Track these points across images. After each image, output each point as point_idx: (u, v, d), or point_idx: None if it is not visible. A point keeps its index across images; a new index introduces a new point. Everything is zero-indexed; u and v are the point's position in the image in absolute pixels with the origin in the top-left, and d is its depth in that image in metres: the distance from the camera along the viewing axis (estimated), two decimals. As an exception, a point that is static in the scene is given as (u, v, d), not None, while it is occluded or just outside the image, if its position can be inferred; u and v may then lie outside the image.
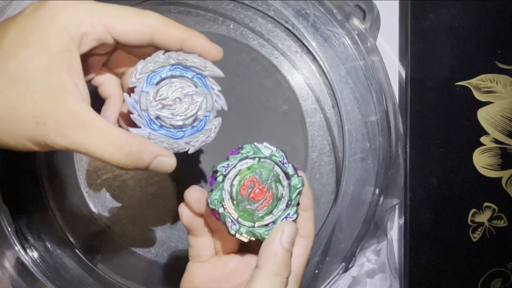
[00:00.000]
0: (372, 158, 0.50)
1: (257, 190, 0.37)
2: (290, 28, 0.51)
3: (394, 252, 0.53)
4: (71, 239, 0.52)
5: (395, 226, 0.54)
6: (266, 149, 0.38)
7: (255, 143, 0.38)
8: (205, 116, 0.40)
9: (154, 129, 0.38)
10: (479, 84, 0.55)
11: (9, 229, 0.49)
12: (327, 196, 0.51)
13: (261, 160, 0.37)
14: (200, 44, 0.39)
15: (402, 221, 0.56)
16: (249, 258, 0.40)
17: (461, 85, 0.55)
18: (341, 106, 0.48)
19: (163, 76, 0.39)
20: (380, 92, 0.49)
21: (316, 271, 0.50)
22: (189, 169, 0.52)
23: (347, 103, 0.49)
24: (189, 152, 0.40)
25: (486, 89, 0.55)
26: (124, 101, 0.39)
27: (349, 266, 0.49)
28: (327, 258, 0.50)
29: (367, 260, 0.53)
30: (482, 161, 0.55)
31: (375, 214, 0.49)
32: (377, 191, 0.50)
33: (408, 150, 0.54)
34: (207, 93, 0.39)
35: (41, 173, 0.52)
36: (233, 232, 0.37)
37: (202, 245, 0.40)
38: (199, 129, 0.40)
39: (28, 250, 0.50)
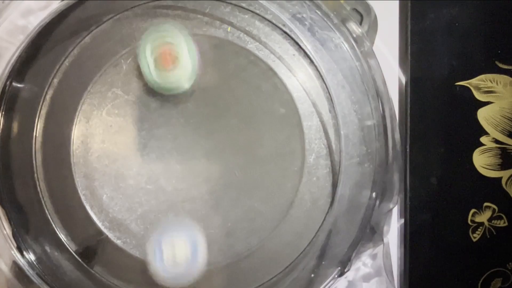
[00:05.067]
0: (368, 162, 0.50)
1: None
2: (287, 31, 0.51)
3: (391, 256, 0.53)
4: (67, 241, 0.52)
5: (391, 230, 0.54)
6: None
7: None
8: None
9: None
10: (479, 84, 0.54)
11: (6, 231, 0.49)
12: (324, 199, 0.51)
13: None
14: None
15: (401, 222, 0.56)
16: None
17: (461, 85, 0.54)
18: (338, 110, 0.48)
19: None
20: (377, 96, 0.49)
21: (312, 275, 0.50)
22: (188, 172, 0.52)
23: (344, 107, 0.49)
24: None
25: (486, 89, 0.54)
26: None
27: (345, 270, 0.49)
28: (323, 262, 0.50)
29: (363, 264, 0.53)
30: (482, 161, 0.55)
31: (371, 218, 0.49)
32: (373, 195, 0.50)
33: (408, 150, 0.54)
34: None
35: (38, 175, 0.52)
36: None
37: None
38: None
39: (24, 253, 0.50)
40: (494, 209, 0.55)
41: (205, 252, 0.49)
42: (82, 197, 0.52)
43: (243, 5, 0.51)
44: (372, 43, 0.52)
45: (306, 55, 0.51)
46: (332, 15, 0.49)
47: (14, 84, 0.51)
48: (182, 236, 0.49)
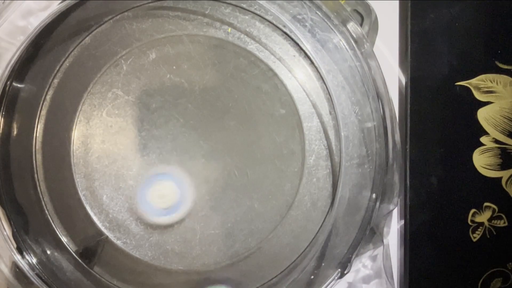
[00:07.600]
0: (368, 163, 0.50)
1: None
2: (288, 32, 0.50)
3: (391, 257, 0.53)
4: (67, 241, 0.52)
5: (391, 231, 0.54)
6: None
7: None
8: None
9: None
10: (479, 84, 0.54)
11: (6, 232, 0.49)
12: (324, 200, 0.51)
13: None
14: None
15: (401, 222, 0.56)
16: None
17: (461, 85, 0.54)
18: (338, 111, 0.48)
19: None
20: (377, 97, 0.49)
21: (312, 277, 0.50)
22: (187, 172, 0.52)
23: (344, 108, 0.49)
24: None
25: (486, 89, 0.54)
26: None
27: (345, 272, 0.49)
28: (323, 264, 0.50)
29: (363, 265, 0.53)
30: (482, 161, 0.54)
31: (371, 219, 0.49)
32: (373, 196, 0.50)
33: (408, 150, 0.54)
34: None
35: (38, 176, 0.52)
36: None
37: None
38: None
39: (24, 253, 0.50)
40: (494, 209, 0.55)
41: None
42: (82, 197, 0.52)
43: (244, 6, 0.51)
44: (373, 43, 0.52)
45: (306, 56, 0.51)
46: (332, 16, 0.49)
47: (14, 84, 0.51)
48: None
